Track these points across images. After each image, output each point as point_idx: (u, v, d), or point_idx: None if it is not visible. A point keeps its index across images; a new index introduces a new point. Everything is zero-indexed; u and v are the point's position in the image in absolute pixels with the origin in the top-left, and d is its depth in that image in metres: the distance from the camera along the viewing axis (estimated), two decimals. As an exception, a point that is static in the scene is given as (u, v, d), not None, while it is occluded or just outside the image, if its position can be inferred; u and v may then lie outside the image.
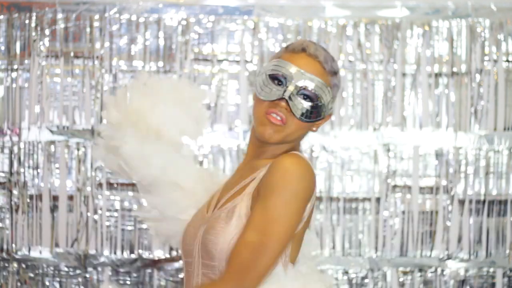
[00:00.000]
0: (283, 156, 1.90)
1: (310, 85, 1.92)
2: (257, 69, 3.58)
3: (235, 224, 1.88)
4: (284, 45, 3.56)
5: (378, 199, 3.61)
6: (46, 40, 3.58)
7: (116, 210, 3.59)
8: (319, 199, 3.59)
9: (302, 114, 1.92)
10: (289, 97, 1.91)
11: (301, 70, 1.92)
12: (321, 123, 2.00)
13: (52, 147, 3.59)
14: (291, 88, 1.91)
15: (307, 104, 1.93)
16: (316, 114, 1.94)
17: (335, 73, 1.98)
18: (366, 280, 3.61)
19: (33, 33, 3.57)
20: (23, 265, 3.60)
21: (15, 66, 3.58)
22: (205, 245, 1.90)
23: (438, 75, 3.61)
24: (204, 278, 1.92)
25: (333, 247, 3.61)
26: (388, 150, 3.61)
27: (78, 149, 3.58)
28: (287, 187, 1.84)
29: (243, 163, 2.05)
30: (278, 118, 1.92)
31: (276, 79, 1.93)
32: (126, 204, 3.59)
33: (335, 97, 2.00)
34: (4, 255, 3.59)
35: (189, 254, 1.97)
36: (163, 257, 3.58)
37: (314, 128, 1.99)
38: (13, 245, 3.59)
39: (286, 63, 1.94)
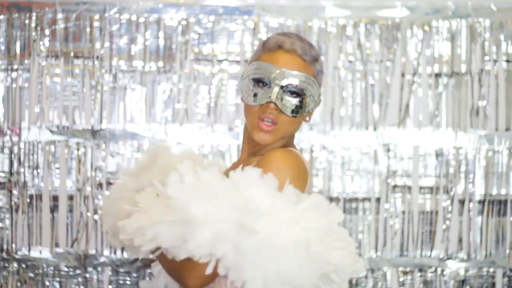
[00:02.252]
0: (274, 149, 1.93)
1: (294, 82, 1.95)
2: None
3: None
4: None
5: (378, 199, 3.61)
6: (46, 40, 3.58)
7: (116, 210, 3.58)
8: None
9: (292, 111, 1.96)
10: (277, 98, 1.94)
11: (282, 69, 1.95)
12: (312, 112, 2.03)
13: (52, 147, 3.59)
14: (276, 89, 1.94)
15: (295, 100, 1.96)
16: (305, 106, 1.97)
17: (316, 60, 2.00)
18: (366, 280, 3.61)
19: (33, 33, 3.57)
20: (23, 265, 3.60)
21: (15, 66, 3.58)
22: None
23: (438, 75, 3.61)
24: None
25: (333, 247, 3.60)
26: (388, 150, 3.61)
27: (78, 149, 3.58)
28: (276, 173, 1.84)
29: (238, 161, 2.07)
30: (269, 123, 1.95)
31: (260, 81, 1.96)
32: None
33: (321, 84, 2.03)
34: (4, 255, 3.59)
35: None
36: (163, 257, 3.58)
37: (307, 118, 2.03)
38: (13, 245, 3.59)
39: (267, 65, 1.96)
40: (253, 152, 2.04)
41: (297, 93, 1.96)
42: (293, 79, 1.94)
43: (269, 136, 1.97)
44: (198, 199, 1.75)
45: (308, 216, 1.78)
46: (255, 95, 1.96)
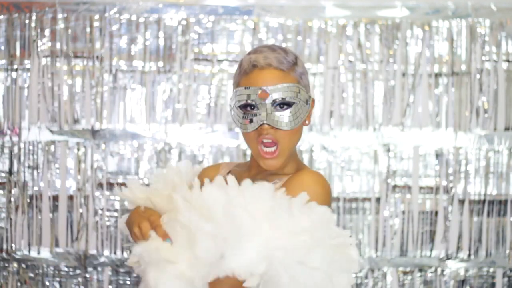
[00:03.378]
0: (304, 172, 1.94)
1: (279, 96, 1.92)
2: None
3: None
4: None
5: (378, 199, 3.61)
6: (46, 40, 3.57)
7: (116, 210, 3.59)
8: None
9: (287, 124, 1.93)
10: (268, 118, 1.91)
11: (262, 88, 1.92)
12: (310, 113, 2.01)
13: (52, 147, 3.59)
14: (263, 110, 1.91)
15: (286, 113, 1.93)
16: (299, 114, 1.95)
17: (294, 64, 1.97)
18: (366, 280, 3.61)
19: (33, 33, 3.57)
20: (23, 265, 3.60)
21: (15, 66, 3.58)
22: None
23: (438, 75, 3.61)
24: None
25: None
26: (388, 150, 3.61)
27: (78, 149, 3.58)
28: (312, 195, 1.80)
29: (250, 175, 2.01)
30: (270, 148, 1.93)
31: (247, 106, 1.94)
32: (126, 204, 3.58)
33: (307, 84, 2.00)
34: (4, 255, 3.59)
35: None
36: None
37: (307, 122, 2.01)
38: (13, 245, 3.59)
39: (247, 89, 1.93)
40: (263, 169, 2.00)
41: (288, 103, 1.93)
42: (277, 93, 1.92)
43: (277, 161, 1.95)
44: (243, 214, 1.65)
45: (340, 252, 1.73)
46: (250, 121, 1.93)
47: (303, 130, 2.03)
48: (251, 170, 2.05)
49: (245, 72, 1.95)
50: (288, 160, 1.99)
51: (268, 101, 1.92)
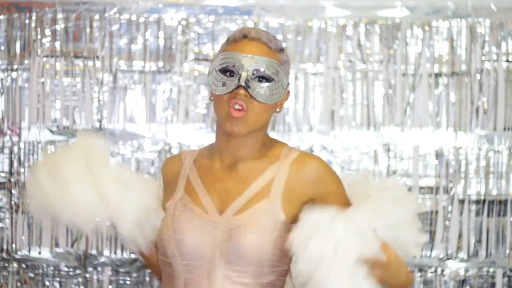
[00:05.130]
0: (317, 159, 1.99)
1: (262, 67, 1.93)
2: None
3: (271, 228, 1.89)
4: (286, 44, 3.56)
5: (378, 199, 3.60)
6: (46, 40, 3.58)
7: (116, 210, 3.58)
8: (319, 199, 3.59)
9: (262, 96, 1.93)
10: (246, 83, 1.91)
11: (248, 55, 1.93)
12: (283, 102, 2.02)
13: (52, 147, 3.59)
14: (244, 74, 1.91)
15: (264, 85, 1.93)
16: (275, 93, 1.96)
17: (281, 50, 2.00)
18: (366, 280, 3.61)
19: (33, 33, 3.57)
20: (23, 265, 3.60)
21: (15, 66, 3.58)
22: (235, 250, 1.89)
23: (438, 75, 3.61)
24: (228, 281, 1.90)
25: (333, 247, 3.60)
26: (388, 150, 3.61)
27: (78, 149, 3.58)
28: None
29: (223, 163, 2.02)
30: (240, 108, 1.92)
31: (227, 71, 1.94)
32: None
33: (288, 74, 2.02)
34: (4, 255, 3.59)
35: (196, 258, 1.94)
36: (163, 257, 3.57)
37: (277, 109, 2.01)
38: (13, 245, 3.59)
39: (232, 53, 1.94)
40: (235, 152, 2.00)
41: (266, 78, 1.94)
42: (261, 64, 1.93)
43: (241, 126, 1.93)
44: None
45: None
46: (223, 84, 1.93)
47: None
48: (222, 159, 2.02)
49: (234, 40, 1.98)
50: (256, 135, 1.99)
51: (250, 68, 1.92)
